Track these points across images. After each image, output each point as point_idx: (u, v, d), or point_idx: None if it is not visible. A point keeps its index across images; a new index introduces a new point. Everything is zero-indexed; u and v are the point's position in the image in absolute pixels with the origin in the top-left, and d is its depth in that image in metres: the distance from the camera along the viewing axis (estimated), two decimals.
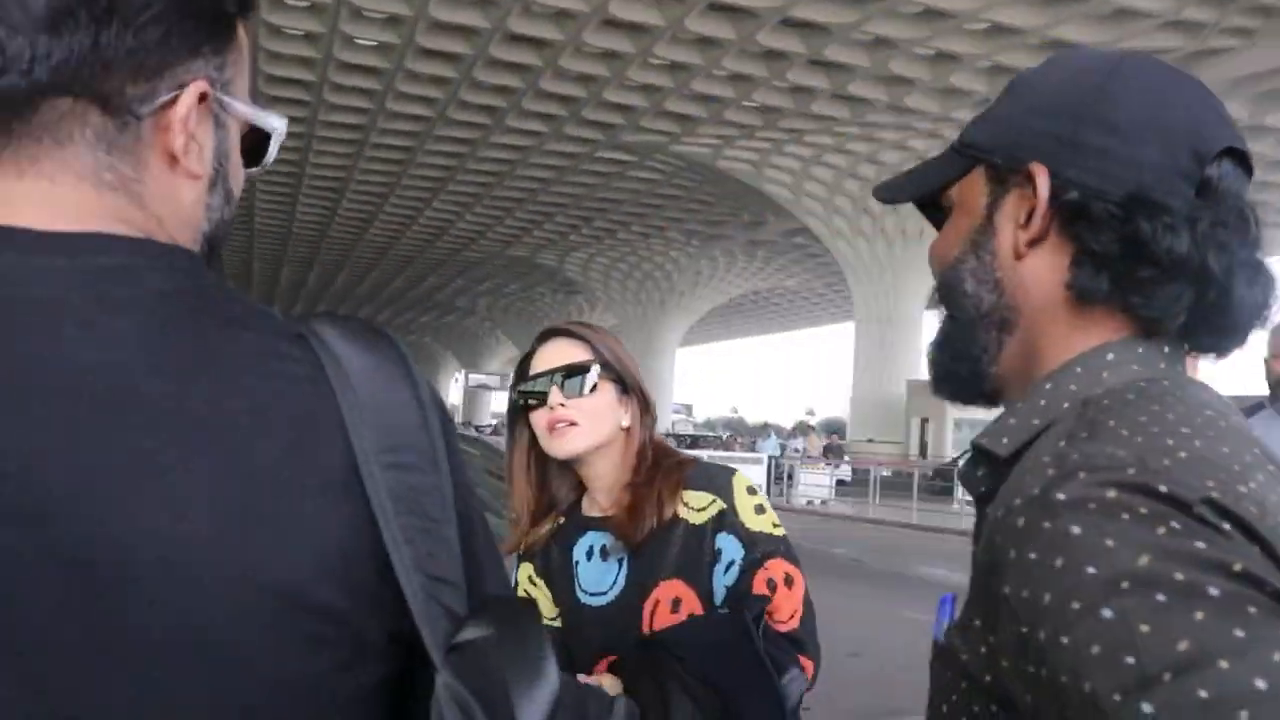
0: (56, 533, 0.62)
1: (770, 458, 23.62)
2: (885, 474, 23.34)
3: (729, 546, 1.77)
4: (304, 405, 0.70)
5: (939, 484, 23.42)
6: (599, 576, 1.84)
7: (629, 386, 1.86)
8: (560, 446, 1.81)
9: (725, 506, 1.79)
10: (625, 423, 1.85)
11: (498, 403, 55.37)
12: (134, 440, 0.65)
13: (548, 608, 1.92)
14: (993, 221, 0.88)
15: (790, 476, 22.82)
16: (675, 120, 29.22)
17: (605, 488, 1.86)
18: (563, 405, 1.79)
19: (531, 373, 1.85)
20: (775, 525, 1.82)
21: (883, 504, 21.55)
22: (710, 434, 47.49)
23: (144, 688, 0.63)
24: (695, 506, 1.80)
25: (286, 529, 0.67)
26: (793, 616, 1.76)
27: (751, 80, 26.39)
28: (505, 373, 52.34)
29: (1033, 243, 0.85)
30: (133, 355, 0.67)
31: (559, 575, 1.89)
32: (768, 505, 1.85)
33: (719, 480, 1.83)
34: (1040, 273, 0.85)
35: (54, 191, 0.71)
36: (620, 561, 1.82)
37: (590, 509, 1.89)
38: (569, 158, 32.41)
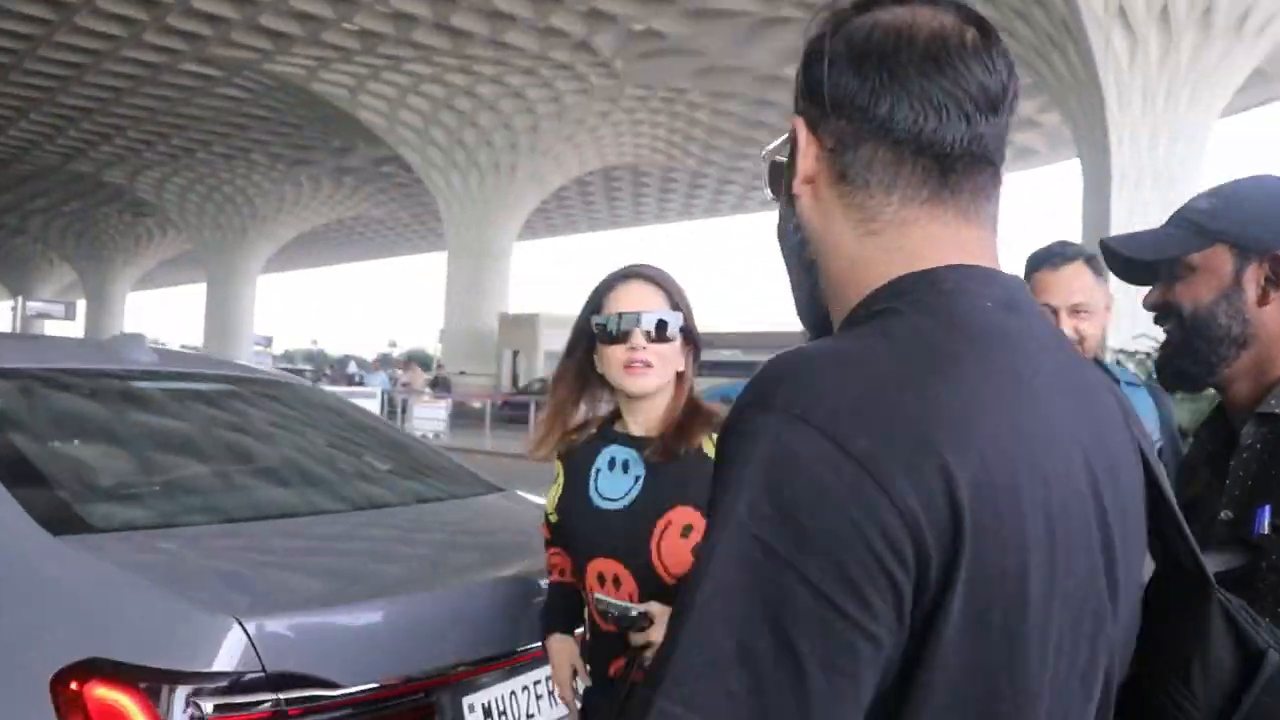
0: (1112, 503, 0.86)
1: (383, 391, 23.60)
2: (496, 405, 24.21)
3: None
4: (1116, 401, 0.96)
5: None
6: (615, 485, 1.99)
7: (691, 333, 2.03)
8: (637, 385, 1.96)
9: None
10: (681, 367, 2.02)
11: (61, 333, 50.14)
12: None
13: (550, 504, 2.14)
14: (1240, 281, 1.47)
15: (404, 410, 22.91)
16: (269, 37, 27.90)
17: (648, 417, 2.01)
18: (644, 347, 1.94)
19: (615, 309, 1.99)
20: None
21: (495, 435, 22.43)
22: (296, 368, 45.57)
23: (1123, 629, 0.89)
24: None
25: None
26: None
27: (353, 1, 25.77)
28: (70, 301, 47.35)
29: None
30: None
31: (575, 477, 2.07)
32: None
33: None
34: (1274, 314, 1.46)
35: (984, 237, 0.91)
36: (637, 478, 1.97)
37: (623, 427, 2.05)
38: (147, 67, 30.00)
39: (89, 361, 2.77)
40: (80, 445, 2.48)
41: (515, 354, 31.53)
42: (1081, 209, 21.02)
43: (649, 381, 1.95)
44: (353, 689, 1.80)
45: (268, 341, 55.57)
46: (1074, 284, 2.53)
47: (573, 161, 36.18)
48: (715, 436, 1.79)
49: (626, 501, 1.96)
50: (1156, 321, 1.58)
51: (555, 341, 32.31)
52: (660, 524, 1.90)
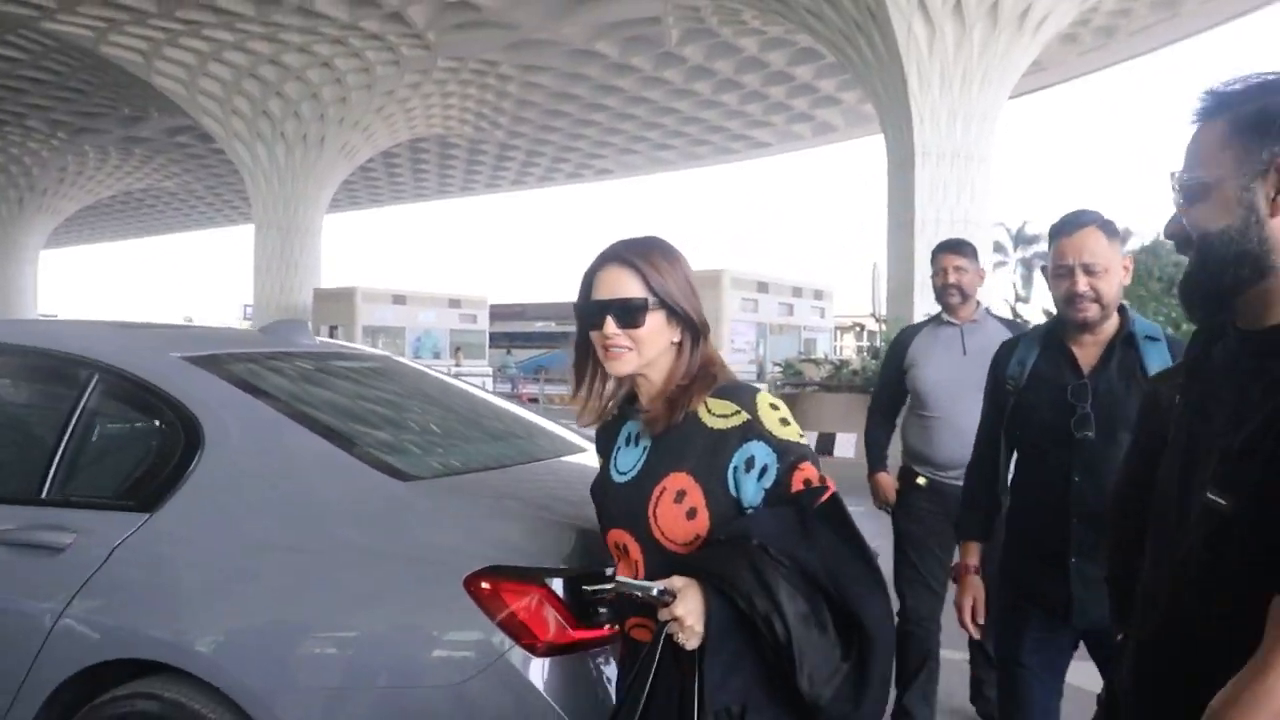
0: None
1: None
2: None
3: (760, 453, 1.89)
4: None
5: None
6: (628, 459, 2.04)
7: (674, 307, 1.98)
8: (614, 368, 2.00)
9: (750, 418, 1.91)
10: (675, 339, 2.01)
11: None
12: None
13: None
14: None
15: None
16: None
17: (650, 390, 2.03)
18: (616, 334, 1.96)
19: (593, 296, 1.99)
20: (800, 435, 1.94)
21: None
22: None
23: None
24: (717, 413, 1.94)
25: None
26: None
27: None
28: None
29: None
30: None
31: (605, 454, 2.13)
32: (791, 418, 1.96)
33: (743, 396, 1.95)
34: None
35: None
36: (644, 448, 2.01)
37: (638, 403, 2.07)
38: None
39: (281, 346, 3.18)
40: (336, 412, 2.84)
41: (333, 329, 31.10)
42: (887, 183, 22.51)
43: (625, 365, 1.98)
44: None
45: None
46: (1085, 245, 2.75)
47: (382, 133, 35.73)
48: (710, 401, 1.95)
49: (632, 475, 2.01)
50: None
51: (373, 316, 31.72)
52: (655, 491, 1.93)
